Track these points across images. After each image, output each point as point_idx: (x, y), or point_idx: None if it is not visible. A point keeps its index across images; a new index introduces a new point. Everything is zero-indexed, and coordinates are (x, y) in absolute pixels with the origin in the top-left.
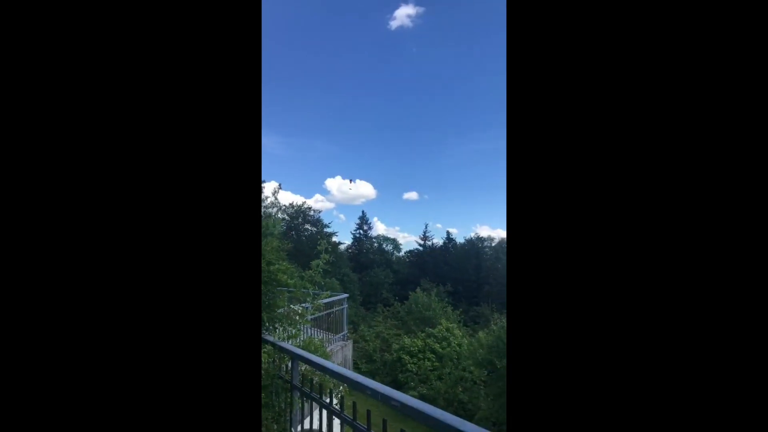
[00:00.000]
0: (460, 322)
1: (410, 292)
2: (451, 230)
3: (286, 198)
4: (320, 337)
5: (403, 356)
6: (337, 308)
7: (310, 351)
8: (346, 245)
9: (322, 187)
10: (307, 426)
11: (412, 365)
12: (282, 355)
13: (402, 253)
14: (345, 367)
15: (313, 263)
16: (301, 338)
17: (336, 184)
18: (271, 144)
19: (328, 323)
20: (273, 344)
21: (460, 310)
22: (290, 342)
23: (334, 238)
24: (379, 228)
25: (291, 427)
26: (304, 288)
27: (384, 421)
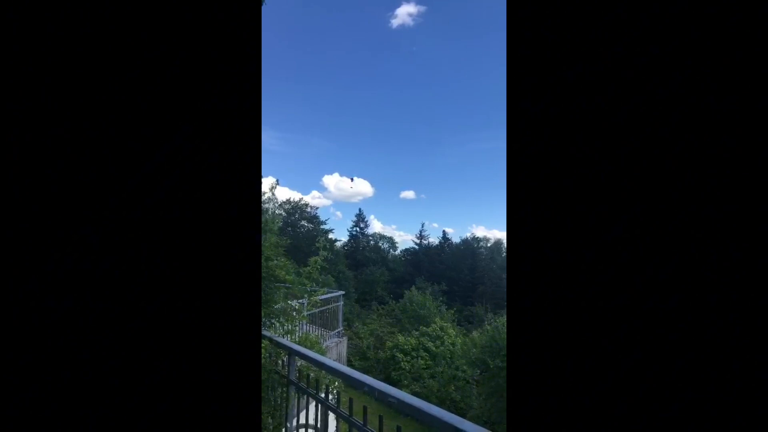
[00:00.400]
0: (454, 321)
1: (405, 291)
2: (447, 230)
3: (283, 194)
4: (315, 334)
5: (397, 354)
6: (332, 305)
7: (306, 347)
8: (342, 242)
9: (320, 183)
10: (302, 421)
11: (406, 363)
12: (278, 350)
13: (398, 252)
14: (339, 363)
15: (311, 260)
16: (297, 334)
17: (333, 181)
18: (268, 140)
19: (323, 320)
20: (270, 339)
21: (455, 309)
22: (287, 337)
23: (331, 235)
24: (375, 226)
25: (286, 421)
26: (302, 284)
27: (380, 418)
